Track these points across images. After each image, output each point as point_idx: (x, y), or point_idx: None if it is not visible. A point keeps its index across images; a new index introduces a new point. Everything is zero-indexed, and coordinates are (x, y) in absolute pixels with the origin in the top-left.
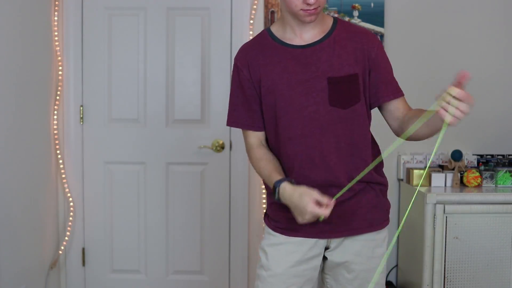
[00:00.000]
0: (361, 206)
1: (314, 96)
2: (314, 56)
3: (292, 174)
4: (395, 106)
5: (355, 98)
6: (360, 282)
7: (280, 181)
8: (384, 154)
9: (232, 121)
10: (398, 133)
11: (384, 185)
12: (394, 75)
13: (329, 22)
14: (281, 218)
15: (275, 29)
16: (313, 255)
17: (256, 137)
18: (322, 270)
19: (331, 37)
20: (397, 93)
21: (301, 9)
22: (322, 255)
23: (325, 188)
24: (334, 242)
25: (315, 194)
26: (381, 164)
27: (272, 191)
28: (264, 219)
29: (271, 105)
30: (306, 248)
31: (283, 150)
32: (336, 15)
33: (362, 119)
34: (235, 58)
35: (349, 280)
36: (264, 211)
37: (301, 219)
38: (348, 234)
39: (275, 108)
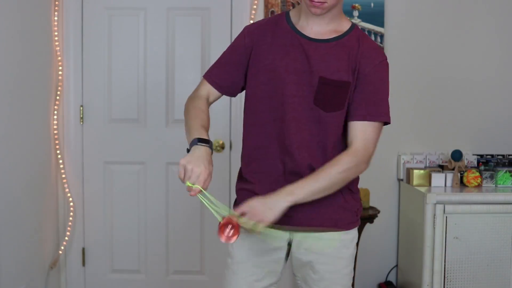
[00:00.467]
0: (325, 204)
1: (303, 90)
2: (317, 51)
3: (258, 153)
4: (354, 128)
5: (339, 105)
6: (326, 283)
7: (200, 140)
8: None
9: (206, 74)
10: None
11: (350, 187)
12: (395, 75)
13: (346, 26)
14: None
15: (293, 14)
16: (276, 246)
17: (208, 92)
18: (293, 271)
19: (340, 40)
20: (368, 116)
21: None
22: (286, 250)
23: (289, 175)
24: (296, 237)
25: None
26: None
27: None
28: (233, 207)
29: (264, 82)
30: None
31: (259, 129)
32: None
33: (336, 126)
34: (246, 26)
35: (316, 281)
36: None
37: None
38: (310, 230)
39: (265, 86)
